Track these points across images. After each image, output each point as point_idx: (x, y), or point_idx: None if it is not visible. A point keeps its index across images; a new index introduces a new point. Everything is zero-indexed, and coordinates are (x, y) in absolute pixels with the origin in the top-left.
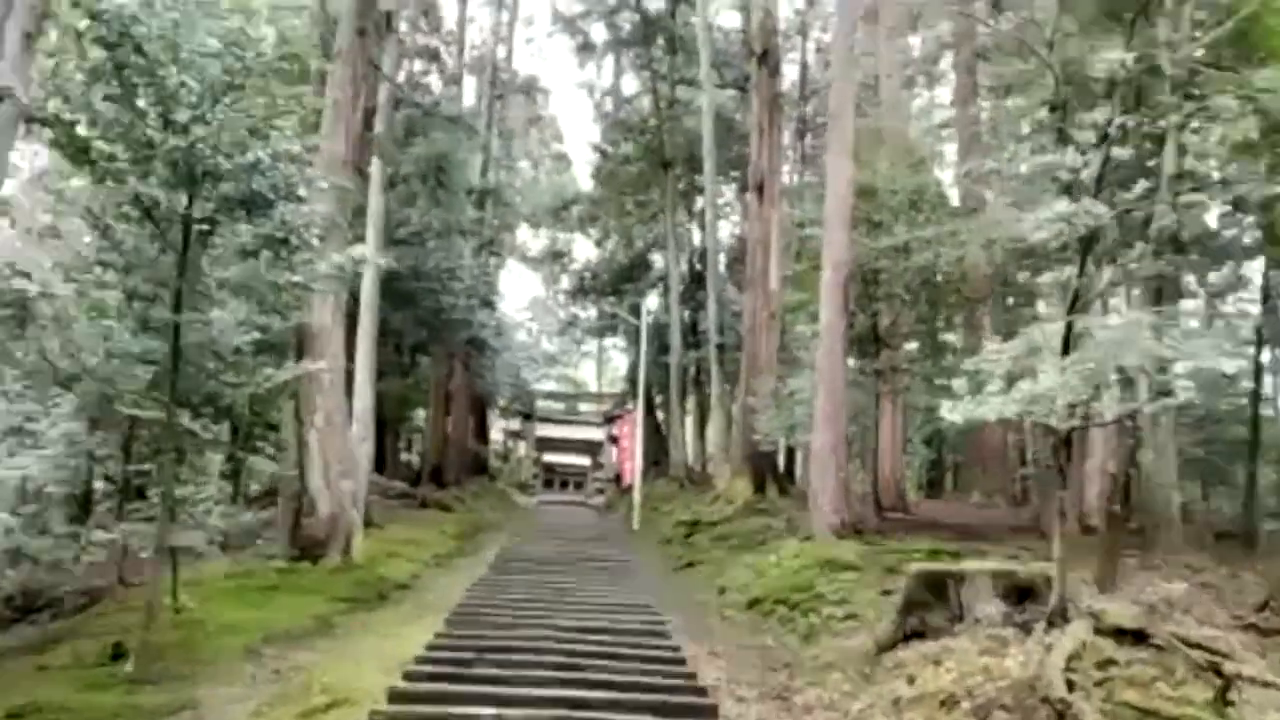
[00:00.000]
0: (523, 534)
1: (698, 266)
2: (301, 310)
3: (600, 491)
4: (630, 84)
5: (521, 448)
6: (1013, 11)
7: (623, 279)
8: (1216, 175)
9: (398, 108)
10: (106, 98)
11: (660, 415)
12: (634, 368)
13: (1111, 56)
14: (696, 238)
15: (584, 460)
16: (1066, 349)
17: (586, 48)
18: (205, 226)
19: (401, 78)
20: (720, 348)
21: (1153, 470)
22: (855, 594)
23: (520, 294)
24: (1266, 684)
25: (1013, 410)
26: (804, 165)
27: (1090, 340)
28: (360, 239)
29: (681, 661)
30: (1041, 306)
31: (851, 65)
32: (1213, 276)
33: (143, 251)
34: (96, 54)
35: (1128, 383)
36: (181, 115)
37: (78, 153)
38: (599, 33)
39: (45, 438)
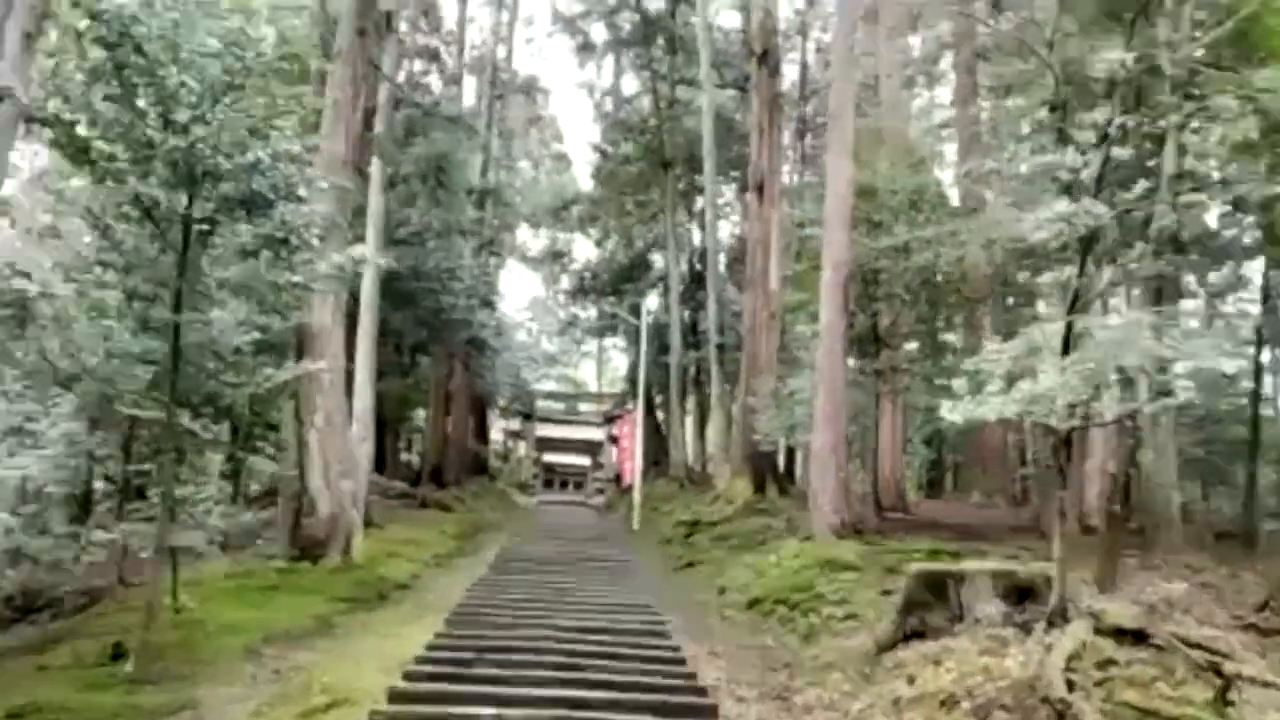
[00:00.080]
0: (523, 534)
1: (698, 266)
2: (301, 310)
3: (600, 491)
4: (630, 84)
5: (521, 448)
6: (1013, 11)
7: (623, 279)
8: (1216, 175)
9: (398, 108)
10: (106, 98)
11: (660, 415)
12: (634, 368)
13: (1112, 56)
14: (696, 238)
15: (584, 460)
16: (1067, 349)
17: (586, 48)
18: (205, 226)
19: (401, 78)
20: (720, 347)
21: (1153, 470)
22: (855, 594)
23: (520, 294)
24: (1266, 684)
25: (1013, 410)
26: (804, 165)
27: (1090, 340)
28: (360, 239)
29: (681, 661)
30: (1041, 306)
31: (852, 65)
32: (1212, 276)
33: (143, 251)
34: (96, 54)
35: (1127, 383)
36: (181, 115)
37: (78, 153)
38: (599, 33)
39: (45, 438)
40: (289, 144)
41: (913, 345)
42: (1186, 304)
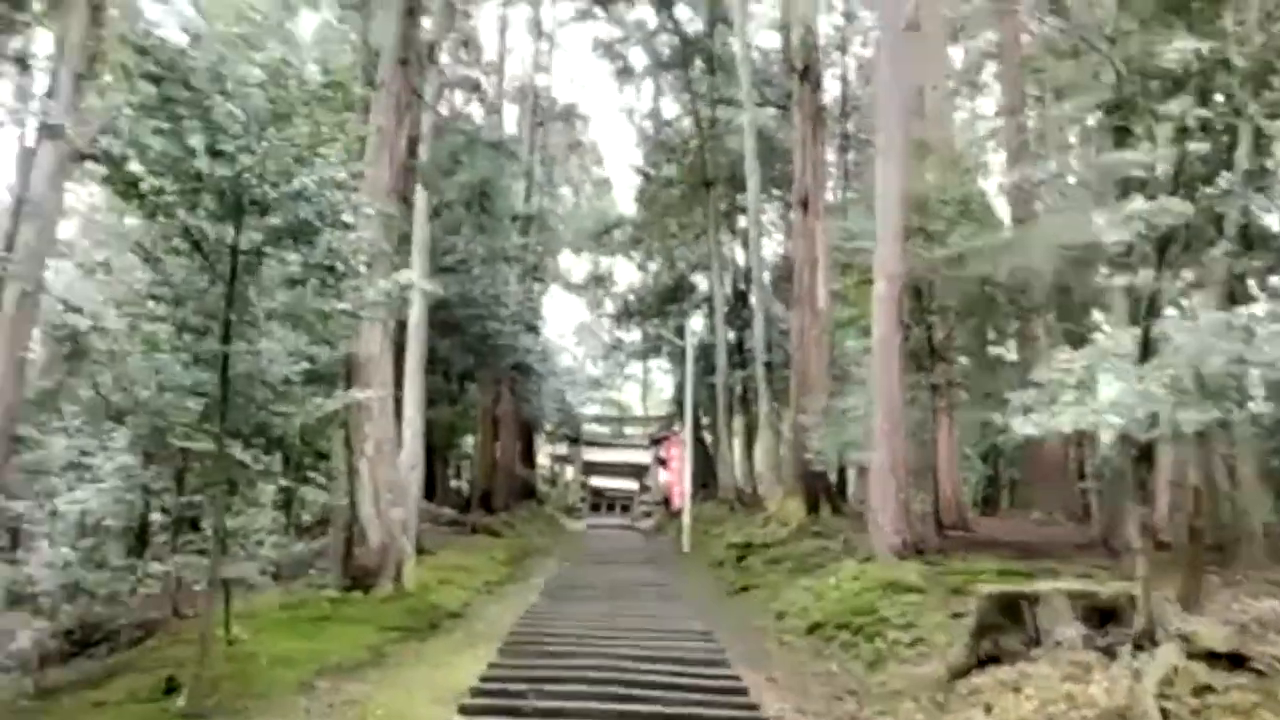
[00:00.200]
0: (572, 559)
1: (741, 286)
2: (350, 339)
3: (647, 515)
4: (670, 106)
5: (568, 472)
6: (1068, 13)
7: (666, 301)
8: None
9: (441, 136)
10: (155, 131)
11: (707, 436)
12: (679, 389)
13: (1184, 45)
14: (739, 257)
15: (630, 484)
16: (1145, 355)
17: (625, 72)
18: (252, 256)
19: (444, 109)
20: (768, 366)
21: (1233, 481)
22: (921, 617)
23: (563, 319)
24: None
25: (1090, 421)
26: (847, 181)
27: (1168, 346)
28: (406, 268)
29: (743, 691)
30: (1097, 316)
31: (901, 73)
32: (1274, 279)
33: (192, 283)
34: (145, 89)
35: (1208, 390)
36: (228, 145)
37: (128, 188)
38: (638, 56)
39: (102, 471)
40: (334, 171)
41: (965, 359)
42: (1257, 307)
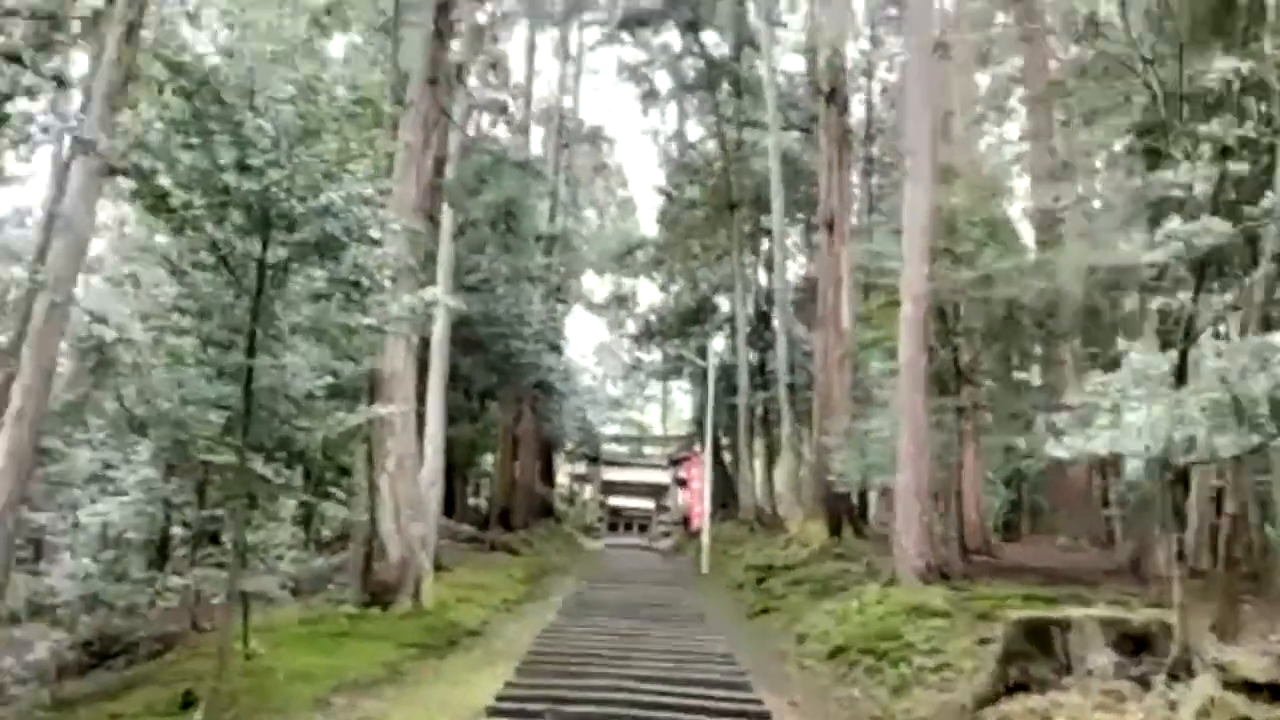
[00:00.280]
0: (590, 577)
1: (764, 307)
2: (374, 355)
3: (666, 535)
4: (695, 129)
5: (587, 491)
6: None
7: (688, 322)
8: None
9: (467, 156)
10: (185, 146)
11: (727, 457)
12: (700, 409)
13: (1225, 66)
14: (762, 279)
15: (649, 503)
16: (1181, 379)
17: (651, 95)
18: (279, 270)
19: (471, 131)
20: (791, 387)
21: (1263, 509)
22: (947, 643)
23: (585, 339)
24: None
25: (1127, 445)
26: (871, 205)
27: (1206, 369)
28: (430, 285)
29: (766, 716)
30: (1120, 341)
31: (929, 97)
32: None
33: (218, 297)
34: (177, 104)
35: (1245, 415)
36: (256, 160)
37: (157, 202)
38: (663, 79)
39: (124, 484)
40: (361, 187)
41: (990, 383)
42: None
